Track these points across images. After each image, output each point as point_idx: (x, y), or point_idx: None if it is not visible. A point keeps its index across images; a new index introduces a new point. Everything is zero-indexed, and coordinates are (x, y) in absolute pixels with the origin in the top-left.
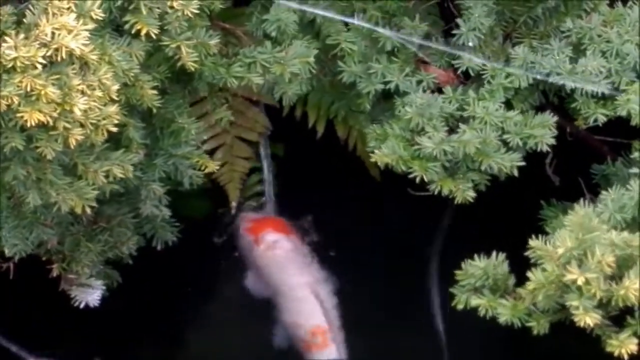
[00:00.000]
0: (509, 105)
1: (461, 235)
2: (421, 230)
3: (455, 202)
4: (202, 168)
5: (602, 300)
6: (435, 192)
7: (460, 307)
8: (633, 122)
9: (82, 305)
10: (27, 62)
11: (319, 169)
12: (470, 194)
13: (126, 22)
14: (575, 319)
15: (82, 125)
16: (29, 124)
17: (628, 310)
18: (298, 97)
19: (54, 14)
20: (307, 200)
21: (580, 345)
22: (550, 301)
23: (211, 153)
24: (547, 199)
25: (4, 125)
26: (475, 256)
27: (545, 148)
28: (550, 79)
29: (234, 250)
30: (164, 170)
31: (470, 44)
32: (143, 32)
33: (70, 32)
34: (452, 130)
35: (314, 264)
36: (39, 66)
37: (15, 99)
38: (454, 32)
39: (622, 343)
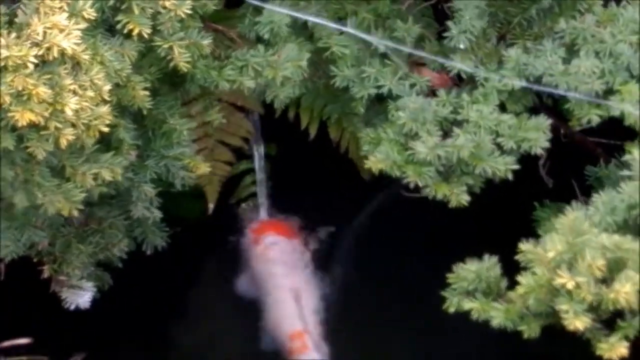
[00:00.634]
0: (502, 107)
1: (454, 237)
2: (414, 231)
3: (450, 205)
4: (194, 169)
5: (592, 303)
6: (430, 197)
7: (451, 310)
8: (627, 123)
9: (72, 307)
10: (18, 62)
11: (311, 171)
12: (465, 198)
13: (118, 22)
14: (565, 323)
15: (73, 126)
16: (20, 124)
17: (618, 314)
18: (291, 99)
19: (45, 14)
20: (300, 202)
21: (571, 349)
22: (541, 305)
23: None
24: (541, 201)
25: None
26: (467, 259)
27: (539, 151)
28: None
29: (227, 251)
30: (156, 171)
31: (462, 46)
32: (135, 32)
33: (62, 31)
34: (446, 134)
35: (307, 269)
36: (31, 65)
37: (7, 99)
38: (446, 34)
39: (612, 346)
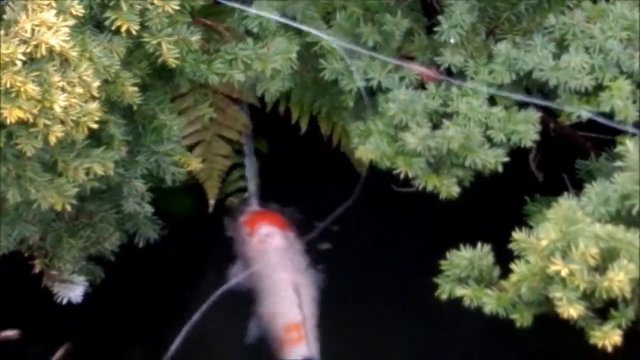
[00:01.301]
0: (492, 101)
1: (444, 229)
2: (407, 224)
3: (440, 197)
4: (185, 165)
5: (585, 291)
6: (420, 188)
7: (444, 297)
8: (617, 118)
9: (64, 302)
10: (6, 59)
11: (302, 165)
12: (455, 190)
13: (106, 18)
14: (559, 310)
15: (62, 122)
16: (8, 121)
17: (612, 302)
18: (281, 93)
19: (33, 11)
20: (291, 196)
21: (565, 339)
22: (534, 293)
23: (190, 150)
24: (531, 194)
25: None
26: (461, 246)
27: (529, 144)
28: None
29: (219, 245)
30: (146, 167)
31: (452, 40)
32: (123, 28)
33: (50, 28)
34: (435, 127)
35: (302, 261)
36: (19, 63)
37: None
38: (436, 29)
39: (605, 335)
